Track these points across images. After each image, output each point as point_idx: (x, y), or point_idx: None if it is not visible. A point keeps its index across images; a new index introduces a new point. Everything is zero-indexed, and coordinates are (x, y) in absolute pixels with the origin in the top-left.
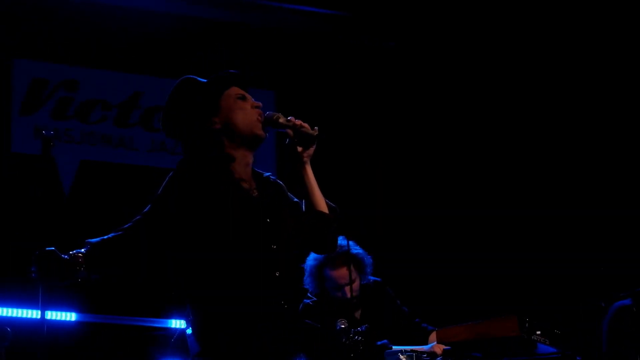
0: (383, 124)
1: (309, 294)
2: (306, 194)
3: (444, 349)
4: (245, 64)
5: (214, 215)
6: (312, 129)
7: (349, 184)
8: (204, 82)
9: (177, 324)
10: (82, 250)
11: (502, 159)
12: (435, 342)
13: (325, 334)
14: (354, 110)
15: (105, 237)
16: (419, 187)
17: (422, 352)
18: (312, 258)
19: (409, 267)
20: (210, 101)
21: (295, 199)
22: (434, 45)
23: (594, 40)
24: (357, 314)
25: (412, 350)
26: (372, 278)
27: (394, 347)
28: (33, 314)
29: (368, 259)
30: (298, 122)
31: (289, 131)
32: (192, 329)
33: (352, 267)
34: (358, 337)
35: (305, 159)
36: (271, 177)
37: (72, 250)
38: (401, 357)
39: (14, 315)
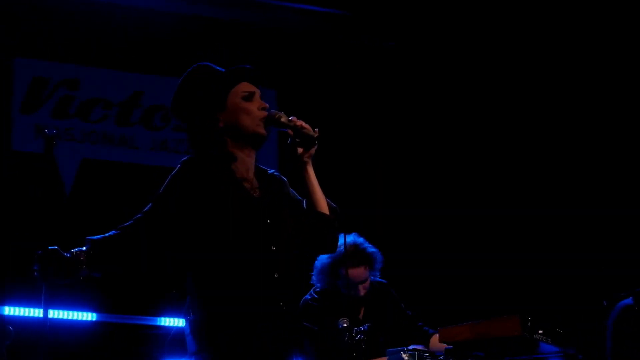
0: (383, 124)
1: (312, 291)
2: (307, 194)
3: (445, 348)
4: (246, 62)
5: (214, 216)
6: (313, 130)
7: (349, 184)
8: (219, 71)
9: (175, 322)
10: (83, 248)
11: (503, 158)
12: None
13: (325, 335)
14: (354, 110)
15: (106, 234)
16: (419, 187)
17: (425, 351)
18: (327, 256)
19: (409, 267)
20: (217, 98)
21: (299, 197)
22: (434, 44)
23: (594, 40)
24: (360, 314)
25: (414, 349)
26: (377, 279)
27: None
28: (35, 312)
29: (380, 257)
30: (299, 122)
31: (290, 131)
32: (191, 328)
33: (367, 267)
34: (360, 336)
35: (306, 159)
36: (275, 173)
37: (73, 249)
38: (403, 355)
39: (16, 314)
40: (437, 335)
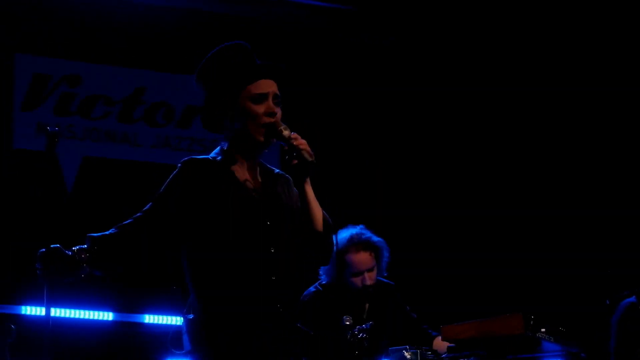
0: (383, 124)
1: (317, 284)
2: (302, 210)
3: (448, 346)
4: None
5: (214, 216)
6: (310, 154)
7: (349, 184)
8: (247, 58)
9: (174, 320)
10: (84, 246)
11: (505, 158)
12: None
13: (322, 336)
14: (354, 110)
15: (106, 232)
16: (420, 187)
17: (427, 350)
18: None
19: (410, 268)
20: (229, 95)
21: None
22: (435, 44)
23: (595, 40)
24: (365, 310)
25: (417, 347)
26: (384, 280)
27: None
28: (38, 311)
29: (387, 250)
30: (299, 142)
31: (287, 148)
32: (187, 327)
33: (372, 254)
34: (362, 335)
35: (301, 179)
36: (281, 173)
37: (74, 247)
38: (405, 354)
39: (18, 312)
40: (440, 337)
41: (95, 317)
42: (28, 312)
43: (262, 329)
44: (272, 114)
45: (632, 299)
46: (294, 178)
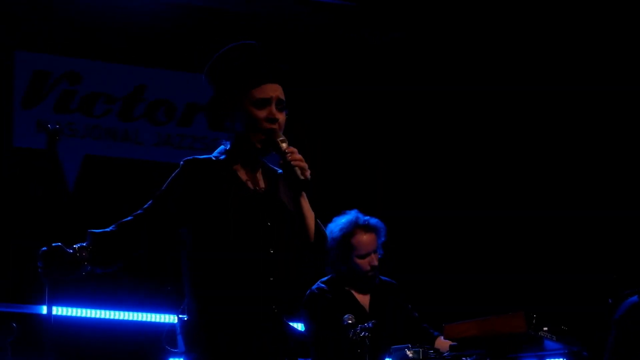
0: (383, 124)
1: (319, 282)
2: (297, 220)
3: (450, 345)
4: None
5: (214, 216)
6: (304, 171)
7: (349, 184)
8: (252, 60)
9: (169, 319)
10: (85, 243)
11: (506, 159)
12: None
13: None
14: (354, 109)
15: (106, 230)
16: (420, 187)
17: (429, 348)
18: (337, 230)
19: (410, 268)
20: (232, 98)
21: None
22: (437, 42)
23: (597, 40)
24: (367, 307)
25: (419, 346)
26: (387, 279)
27: None
28: (39, 309)
29: (384, 227)
30: (294, 156)
31: (281, 162)
32: (183, 328)
33: (375, 236)
34: (365, 333)
35: (295, 193)
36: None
37: (75, 244)
38: (408, 352)
39: (20, 310)
40: (442, 336)
41: (97, 316)
42: (29, 311)
43: (261, 329)
44: (273, 120)
45: (635, 298)
46: (289, 189)
